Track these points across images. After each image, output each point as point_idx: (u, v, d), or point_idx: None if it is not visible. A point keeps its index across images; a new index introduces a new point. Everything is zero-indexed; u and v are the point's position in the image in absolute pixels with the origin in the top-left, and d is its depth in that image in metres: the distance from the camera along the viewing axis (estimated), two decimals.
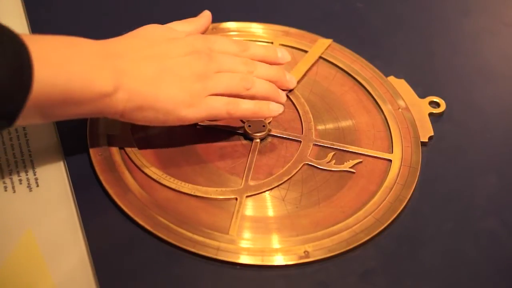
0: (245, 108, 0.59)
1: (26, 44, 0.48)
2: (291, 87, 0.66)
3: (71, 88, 0.51)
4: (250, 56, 0.62)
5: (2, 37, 0.48)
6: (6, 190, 0.57)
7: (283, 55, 0.64)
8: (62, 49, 0.52)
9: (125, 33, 0.72)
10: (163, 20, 0.74)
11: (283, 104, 0.62)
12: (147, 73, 0.55)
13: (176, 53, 0.57)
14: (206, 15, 0.65)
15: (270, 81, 0.62)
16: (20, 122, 0.49)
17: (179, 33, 0.60)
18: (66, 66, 0.51)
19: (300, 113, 0.66)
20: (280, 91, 0.63)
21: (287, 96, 0.67)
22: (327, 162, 0.62)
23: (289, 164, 0.62)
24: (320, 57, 0.71)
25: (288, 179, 0.61)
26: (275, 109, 0.61)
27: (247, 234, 0.57)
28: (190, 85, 0.56)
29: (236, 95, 0.59)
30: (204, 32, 0.64)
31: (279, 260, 0.55)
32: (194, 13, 0.75)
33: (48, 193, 0.57)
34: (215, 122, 0.64)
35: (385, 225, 0.58)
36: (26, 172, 0.59)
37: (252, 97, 0.60)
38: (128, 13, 0.75)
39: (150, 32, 0.59)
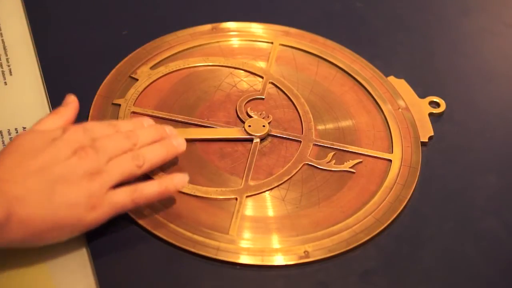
0: (150, 191, 0.54)
1: None
2: (180, 149, 0.59)
3: None
4: (134, 135, 0.57)
5: None
6: None
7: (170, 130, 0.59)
8: None
9: (125, 33, 0.72)
10: (163, 20, 0.75)
11: (185, 174, 0.57)
12: (39, 193, 0.50)
13: (61, 156, 0.52)
14: (72, 101, 0.58)
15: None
16: None
17: (55, 132, 0.54)
18: None
19: (300, 113, 0.66)
20: (174, 141, 0.58)
21: (288, 96, 0.67)
22: (327, 162, 0.62)
23: (289, 164, 0.62)
24: (320, 57, 0.71)
25: (288, 179, 0.61)
26: (180, 182, 0.56)
27: (247, 234, 0.57)
28: (86, 187, 0.51)
29: (133, 177, 0.55)
30: (74, 119, 0.58)
31: (279, 260, 0.55)
32: (194, 13, 0.76)
33: None
34: (214, 122, 0.64)
35: (385, 225, 0.58)
36: None
37: (149, 170, 0.56)
38: (128, 13, 0.75)
39: (27, 141, 0.53)
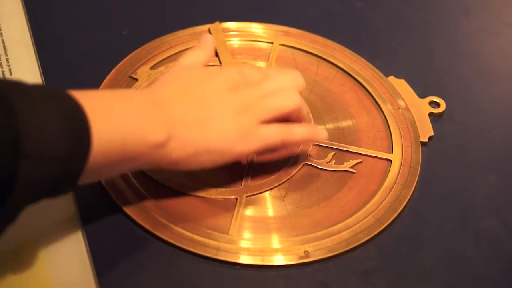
0: (299, 134, 0.58)
1: (81, 104, 0.47)
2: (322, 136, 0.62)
3: (127, 143, 0.49)
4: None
5: (57, 98, 0.47)
6: None
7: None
8: (114, 105, 0.51)
9: (125, 33, 0.72)
10: (163, 20, 0.75)
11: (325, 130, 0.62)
12: (195, 117, 0.54)
13: (218, 90, 0.56)
14: (210, 39, 0.62)
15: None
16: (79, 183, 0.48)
17: (213, 69, 0.58)
18: (120, 122, 0.50)
19: None
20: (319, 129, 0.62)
21: None
22: (327, 162, 0.63)
23: (289, 164, 0.62)
24: (320, 57, 0.71)
25: (288, 179, 0.61)
26: (323, 133, 0.61)
27: (247, 234, 0.57)
28: (239, 119, 0.55)
29: (286, 117, 0.58)
30: (213, 54, 0.63)
31: (279, 260, 0.55)
32: (194, 13, 0.76)
33: None
34: None
35: (385, 225, 0.58)
36: None
37: (300, 116, 0.60)
38: (128, 13, 0.75)
39: (189, 72, 0.57)
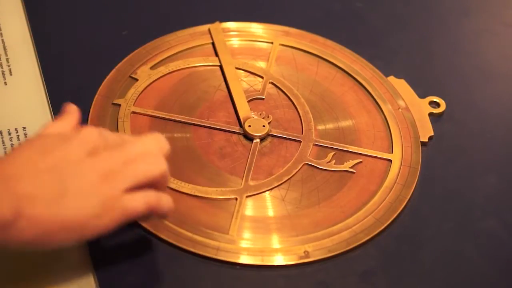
0: (167, 202, 0.52)
1: None
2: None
3: None
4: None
5: None
6: None
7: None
8: None
9: (125, 33, 0.72)
10: (163, 20, 0.75)
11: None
12: (49, 191, 0.48)
13: (75, 156, 0.50)
14: (73, 110, 0.55)
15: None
16: None
17: (69, 132, 0.53)
18: None
19: (300, 113, 0.66)
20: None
21: (288, 96, 0.68)
22: (327, 162, 0.62)
23: (289, 164, 0.62)
24: (320, 57, 0.71)
25: (288, 179, 0.61)
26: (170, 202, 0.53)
27: (247, 234, 0.57)
28: (100, 189, 0.49)
29: (148, 181, 0.51)
30: (78, 125, 0.56)
31: (279, 260, 0.55)
32: (194, 13, 0.76)
33: None
34: (214, 122, 0.64)
35: (385, 225, 0.58)
36: None
37: (166, 183, 0.54)
38: (128, 13, 0.75)
39: (39, 140, 0.51)
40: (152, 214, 0.52)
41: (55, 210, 0.48)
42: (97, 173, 0.50)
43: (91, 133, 0.51)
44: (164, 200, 0.52)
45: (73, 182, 0.49)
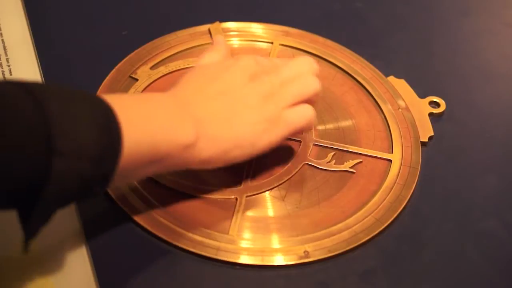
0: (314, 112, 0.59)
1: (111, 106, 0.47)
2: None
3: (157, 145, 0.50)
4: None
5: (88, 100, 0.47)
6: None
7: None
8: (143, 108, 0.51)
9: (125, 33, 0.72)
10: (163, 20, 0.75)
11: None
12: (221, 114, 0.54)
13: (238, 82, 0.56)
14: (222, 40, 0.63)
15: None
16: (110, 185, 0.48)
17: (228, 61, 0.59)
18: (149, 124, 0.50)
19: None
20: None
21: None
22: (327, 162, 0.63)
23: (289, 164, 0.62)
24: (320, 57, 0.71)
25: (288, 179, 0.61)
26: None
27: (247, 234, 0.57)
28: (263, 108, 0.56)
29: (305, 98, 0.58)
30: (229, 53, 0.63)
31: (279, 260, 0.55)
32: (194, 13, 0.76)
33: None
34: None
35: (385, 225, 0.58)
36: None
37: (318, 100, 0.60)
38: (128, 13, 0.75)
39: (204, 70, 0.57)
40: (311, 125, 0.59)
41: (228, 130, 0.54)
42: (260, 95, 0.56)
43: (249, 61, 0.58)
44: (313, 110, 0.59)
45: (240, 104, 0.55)
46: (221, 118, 0.54)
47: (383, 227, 0.58)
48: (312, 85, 0.59)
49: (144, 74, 0.68)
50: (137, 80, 0.67)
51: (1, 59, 0.68)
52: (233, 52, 0.71)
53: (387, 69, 0.71)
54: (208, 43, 0.71)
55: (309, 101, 0.58)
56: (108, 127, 0.46)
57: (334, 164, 0.62)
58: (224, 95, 0.55)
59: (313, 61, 0.60)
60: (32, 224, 0.45)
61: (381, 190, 0.61)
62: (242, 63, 0.57)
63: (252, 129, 0.55)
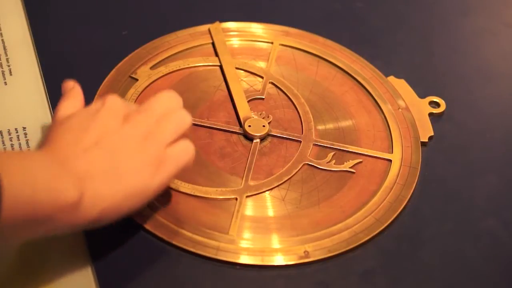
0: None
1: None
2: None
3: (38, 203, 0.46)
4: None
5: None
6: None
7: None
8: (21, 164, 0.47)
9: (125, 33, 0.72)
10: (163, 20, 0.75)
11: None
12: (102, 166, 0.50)
13: (112, 127, 0.52)
14: (74, 85, 0.58)
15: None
16: None
17: (95, 105, 0.54)
18: (29, 181, 0.46)
19: (300, 113, 0.66)
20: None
21: (288, 96, 0.68)
22: (327, 162, 0.62)
23: (289, 164, 0.62)
24: (320, 57, 0.71)
25: (288, 179, 0.61)
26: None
27: (247, 234, 0.57)
28: (145, 151, 0.52)
29: (183, 132, 0.55)
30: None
31: (279, 260, 0.55)
32: (194, 13, 0.76)
33: None
34: (214, 122, 0.64)
35: (385, 225, 0.58)
36: None
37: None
38: (128, 13, 0.75)
39: (72, 121, 0.53)
40: (191, 162, 0.55)
41: (115, 183, 0.50)
42: (138, 136, 0.52)
43: (115, 101, 0.53)
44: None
45: (120, 150, 0.51)
46: (104, 171, 0.50)
47: (383, 227, 0.58)
48: (185, 119, 0.55)
49: (144, 74, 0.68)
50: (137, 80, 0.67)
51: (1, 59, 0.68)
52: (233, 52, 0.71)
53: (387, 69, 0.71)
54: (209, 43, 0.71)
55: (184, 135, 0.55)
56: None
57: (334, 164, 0.62)
58: (100, 144, 0.51)
59: (176, 95, 0.56)
60: None
61: (381, 190, 0.61)
62: (109, 105, 0.53)
63: (139, 176, 0.51)
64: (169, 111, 0.55)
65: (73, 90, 0.57)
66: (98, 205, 0.49)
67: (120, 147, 0.51)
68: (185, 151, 0.54)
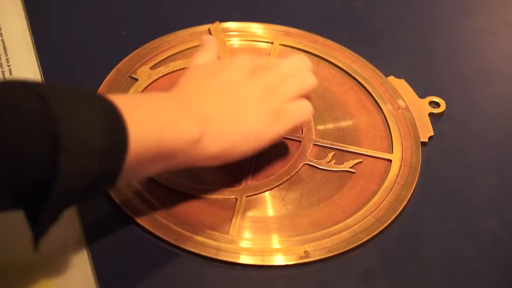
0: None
1: (115, 104, 0.47)
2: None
3: (162, 140, 0.49)
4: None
5: (92, 98, 0.48)
6: None
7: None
8: (146, 105, 0.51)
9: (125, 33, 0.72)
10: (163, 20, 0.75)
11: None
12: (224, 109, 0.54)
13: (237, 79, 0.56)
14: (211, 39, 0.63)
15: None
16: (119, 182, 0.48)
17: (224, 61, 0.60)
18: (154, 121, 0.50)
19: None
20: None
21: None
22: (327, 162, 0.63)
23: (289, 164, 0.62)
24: (320, 57, 0.71)
25: (288, 179, 0.61)
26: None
27: (247, 234, 0.57)
28: (266, 102, 0.56)
29: (305, 92, 0.59)
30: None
31: (279, 260, 0.55)
32: (194, 13, 0.76)
33: None
34: None
35: (385, 225, 0.58)
36: None
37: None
38: (128, 13, 0.75)
39: (201, 69, 0.57)
40: (307, 121, 0.62)
41: (233, 125, 0.54)
42: (261, 89, 0.56)
43: (245, 58, 0.58)
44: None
45: (242, 99, 0.55)
46: (225, 113, 0.54)
47: (383, 227, 0.58)
48: (309, 81, 0.59)
49: (144, 74, 0.68)
50: (137, 80, 0.67)
51: (1, 59, 0.68)
52: (234, 52, 0.71)
53: (387, 69, 0.71)
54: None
55: (306, 96, 0.59)
56: (114, 124, 0.46)
57: (334, 164, 0.62)
58: (225, 91, 0.55)
59: (307, 59, 0.61)
60: (40, 224, 0.45)
61: (381, 190, 0.61)
62: (239, 60, 0.58)
63: (257, 122, 0.55)
64: (294, 71, 0.59)
65: (209, 44, 0.62)
66: (217, 143, 0.53)
67: (243, 96, 0.55)
68: (303, 109, 0.58)
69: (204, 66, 0.58)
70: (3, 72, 0.67)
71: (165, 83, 0.67)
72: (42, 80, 0.66)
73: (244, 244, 0.56)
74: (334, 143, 0.64)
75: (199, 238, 0.56)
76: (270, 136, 0.56)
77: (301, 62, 0.60)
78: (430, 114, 0.68)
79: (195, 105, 0.53)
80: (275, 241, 0.57)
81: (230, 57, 0.59)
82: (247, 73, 0.57)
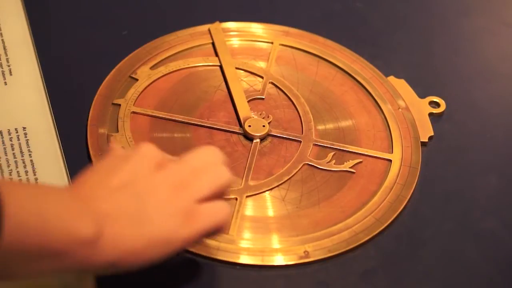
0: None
1: None
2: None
3: (47, 232, 0.43)
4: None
5: None
6: None
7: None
8: (35, 192, 0.46)
9: (125, 33, 0.72)
10: (163, 20, 0.75)
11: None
12: (128, 209, 0.47)
13: (143, 172, 0.49)
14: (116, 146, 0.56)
15: None
16: None
17: (127, 151, 0.52)
18: (38, 208, 0.44)
19: (300, 113, 0.66)
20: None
21: (288, 96, 0.68)
22: (327, 162, 0.63)
23: (289, 164, 0.62)
24: (320, 57, 0.71)
25: (288, 179, 0.61)
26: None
27: (247, 234, 0.57)
28: (175, 201, 0.48)
29: (223, 189, 0.51)
30: None
31: (279, 260, 0.55)
32: (194, 13, 0.76)
33: None
34: (214, 122, 0.64)
35: (385, 225, 0.58)
36: (26, 172, 0.59)
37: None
38: (128, 13, 0.75)
39: (103, 163, 0.51)
40: (225, 225, 0.51)
41: (138, 228, 0.47)
42: (170, 185, 0.49)
43: (150, 148, 0.51)
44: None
45: (149, 196, 0.48)
46: (129, 213, 0.47)
47: (383, 227, 0.58)
48: (224, 176, 0.51)
49: (144, 74, 0.68)
50: (137, 80, 0.67)
51: (1, 59, 0.68)
52: (233, 52, 0.71)
53: (387, 69, 0.71)
54: (209, 43, 0.71)
55: (221, 194, 0.51)
56: None
57: (334, 164, 0.62)
58: (129, 187, 0.48)
59: (219, 151, 0.53)
60: None
61: (381, 190, 0.61)
62: (143, 150, 0.50)
63: (166, 224, 0.48)
64: (207, 165, 0.51)
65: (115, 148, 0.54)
66: (117, 247, 0.46)
67: (149, 193, 0.48)
68: (220, 212, 0.50)
69: (104, 159, 0.51)
70: (3, 72, 0.67)
71: (165, 83, 0.67)
72: (42, 80, 0.66)
73: (244, 244, 0.56)
74: (334, 143, 0.64)
75: None
76: (181, 239, 0.48)
77: (213, 155, 0.52)
78: (430, 114, 0.68)
79: (93, 204, 0.46)
80: (275, 241, 0.57)
81: (135, 148, 0.51)
82: (154, 164, 0.49)
